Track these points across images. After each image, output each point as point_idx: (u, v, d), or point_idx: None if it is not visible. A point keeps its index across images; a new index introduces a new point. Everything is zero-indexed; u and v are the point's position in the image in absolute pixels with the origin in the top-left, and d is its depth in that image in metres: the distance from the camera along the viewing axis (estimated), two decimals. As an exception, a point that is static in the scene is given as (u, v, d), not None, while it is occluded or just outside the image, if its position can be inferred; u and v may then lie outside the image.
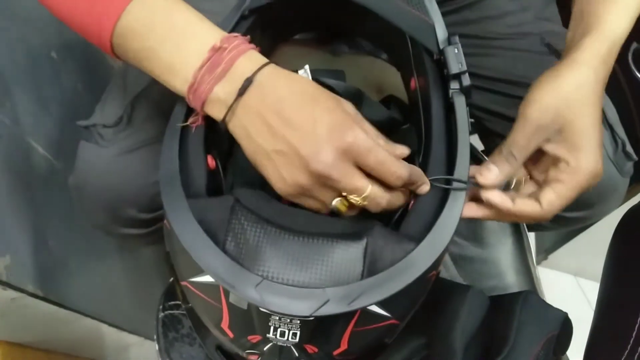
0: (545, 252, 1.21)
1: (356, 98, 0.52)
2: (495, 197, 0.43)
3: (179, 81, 0.40)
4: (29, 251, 0.60)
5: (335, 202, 0.39)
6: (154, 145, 0.55)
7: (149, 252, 1.04)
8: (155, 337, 0.57)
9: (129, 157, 0.55)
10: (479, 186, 0.43)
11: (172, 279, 0.58)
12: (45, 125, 0.71)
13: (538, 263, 1.24)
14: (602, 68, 0.44)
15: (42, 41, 0.76)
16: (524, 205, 0.43)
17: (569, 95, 0.43)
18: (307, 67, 0.47)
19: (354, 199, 0.38)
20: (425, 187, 0.40)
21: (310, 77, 0.47)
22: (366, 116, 0.52)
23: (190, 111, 0.42)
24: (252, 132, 0.39)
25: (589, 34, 0.45)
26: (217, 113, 0.40)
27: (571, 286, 1.25)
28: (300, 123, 0.37)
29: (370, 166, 0.37)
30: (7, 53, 0.66)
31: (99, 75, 0.91)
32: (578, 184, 0.42)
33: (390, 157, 0.38)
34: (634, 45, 0.85)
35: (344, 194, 0.38)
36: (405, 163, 0.39)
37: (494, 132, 0.67)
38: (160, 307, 0.58)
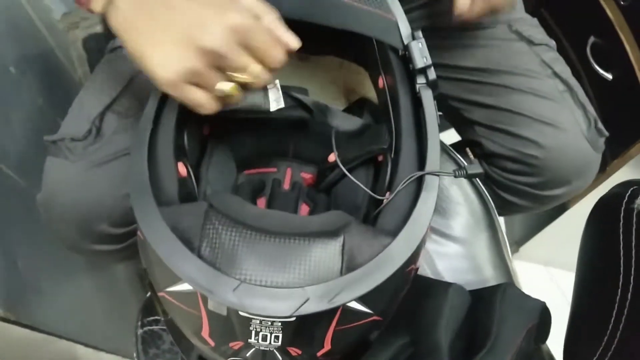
0: (515, 244, 1.23)
1: (324, 112, 0.53)
2: None
3: None
4: (-3, 274, 0.58)
5: (222, 85, 0.39)
6: (124, 157, 0.54)
7: (122, 269, 1.02)
8: (134, 354, 0.56)
9: (99, 171, 0.53)
10: (458, 177, 0.43)
11: (148, 294, 0.57)
12: (7, 142, 0.69)
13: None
14: None
15: (-1, 55, 0.74)
16: None
17: None
18: (277, 82, 0.47)
19: (239, 77, 0.39)
20: None
21: (280, 93, 0.47)
22: (338, 128, 0.53)
23: (157, 119, 0.41)
24: (133, 21, 0.39)
25: None
26: (99, 7, 0.40)
27: (543, 276, 1.28)
28: (183, 4, 0.38)
29: (254, 47, 0.39)
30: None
31: (60, 89, 0.89)
32: None
33: (272, 41, 0.39)
34: (592, 39, 0.88)
35: (230, 73, 0.39)
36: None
37: (472, 121, 0.69)
38: (139, 323, 0.57)
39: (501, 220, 0.75)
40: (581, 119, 0.64)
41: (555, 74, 0.65)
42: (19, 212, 0.67)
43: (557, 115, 0.64)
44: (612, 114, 0.86)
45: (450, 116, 0.73)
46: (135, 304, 0.59)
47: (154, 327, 0.56)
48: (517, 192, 0.69)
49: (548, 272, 1.28)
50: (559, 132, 0.63)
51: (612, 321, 0.44)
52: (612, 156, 0.89)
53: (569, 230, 0.60)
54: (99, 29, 1.10)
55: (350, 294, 0.34)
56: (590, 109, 0.65)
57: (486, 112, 0.67)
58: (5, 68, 0.75)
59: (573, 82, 0.66)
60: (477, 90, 0.67)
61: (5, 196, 0.65)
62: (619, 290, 0.44)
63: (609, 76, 0.87)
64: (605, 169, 0.90)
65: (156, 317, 0.56)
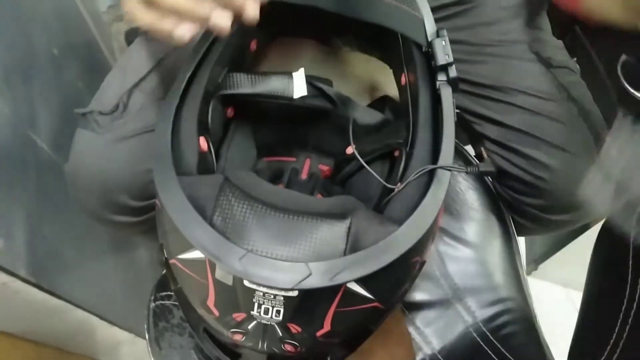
0: (534, 262, 1.22)
1: (346, 104, 0.54)
2: None
3: None
4: (23, 237, 0.61)
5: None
6: (147, 134, 0.56)
7: (143, 251, 1.05)
8: (145, 326, 0.58)
9: (123, 144, 0.56)
10: (470, 173, 0.44)
11: (164, 271, 0.59)
12: (44, 118, 0.72)
13: (528, 274, 1.24)
14: None
15: (45, 38, 0.78)
16: None
17: None
18: (302, 70, 0.48)
19: None
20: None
21: (304, 80, 0.48)
22: (358, 121, 0.54)
23: (183, 96, 0.43)
24: None
25: None
26: None
27: (561, 297, 1.25)
28: None
29: None
30: (10, 48, 0.67)
31: (98, 74, 0.92)
32: None
33: None
34: (623, 57, 0.87)
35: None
36: None
37: (483, 136, 0.69)
38: (152, 297, 0.59)
39: (521, 237, 0.74)
40: (593, 146, 0.64)
41: (571, 98, 0.65)
42: (50, 184, 0.70)
43: (568, 139, 0.63)
44: (641, 133, 0.84)
45: (462, 129, 0.73)
46: (152, 285, 0.61)
47: (166, 302, 0.58)
48: (525, 213, 0.69)
49: (567, 293, 1.26)
50: (569, 156, 0.63)
51: (615, 333, 0.44)
52: (637, 176, 0.88)
53: (589, 251, 0.60)
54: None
55: (351, 273, 0.34)
56: (605, 135, 0.65)
57: (497, 129, 0.67)
58: (49, 50, 0.79)
59: (589, 107, 0.65)
60: (490, 107, 0.67)
61: (39, 168, 0.69)
62: (626, 298, 0.44)
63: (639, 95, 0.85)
64: (629, 189, 0.89)
65: (169, 292, 0.58)
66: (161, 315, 0.59)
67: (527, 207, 0.68)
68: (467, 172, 0.43)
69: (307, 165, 0.59)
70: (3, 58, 0.65)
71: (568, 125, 0.64)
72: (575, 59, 0.71)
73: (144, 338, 0.60)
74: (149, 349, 0.59)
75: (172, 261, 0.39)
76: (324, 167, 0.59)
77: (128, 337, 0.89)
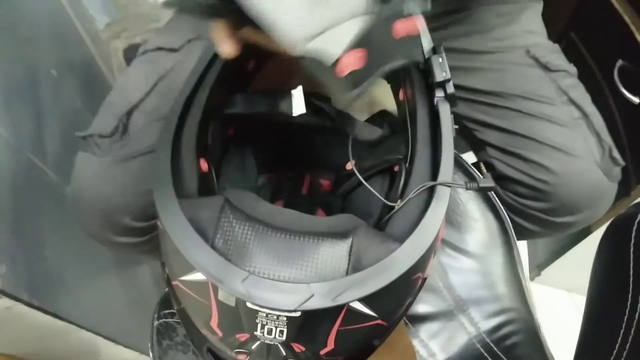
0: (537, 268, 1.21)
1: (345, 120, 0.55)
2: None
3: None
4: (25, 261, 0.61)
5: None
6: (148, 155, 0.56)
7: (147, 269, 1.05)
8: (149, 344, 0.58)
9: (123, 166, 0.56)
10: (470, 189, 0.44)
11: (167, 288, 0.59)
12: (44, 139, 0.73)
13: (531, 279, 1.24)
14: None
15: (42, 59, 0.79)
16: None
17: None
18: (300, 88, 0.49)
19: None
20: None
21: (303, 98, 0.49)
22: (357, 137, 0.54)
23: (183, 118, 0.44)
24: None
25: None
26: None
27: (565, 302, 1.25)
28: None
29: None
30: (8, 69, 0.68)
31: (98, 93, 0.93)
32: None
33: None
34: (620, 62, 0.88)
35: None
36: None
37: (484, 142, 0.69)
38: (155, 315, 0.59)
39: (523, 242, 0.74)
40: (595, 147, 0.64)
41: (571, 101, 0.65)
42: (51, 205, 0.70)
43: (570, 142, 0.63)
44: (639, 137, 0.85)
45: (464, 136, 0.74)
46: (155, 303, 0.61)
47: (169, 320, 0.58)
48: (528, 216, 0.69)
49: (571, 297, 1.25)
50: (571, 158, 0.63)
51: (618, 341, 0.44)
52: (637, 180, 0.88)
53: (592, 256, 0.60)
54: (139, 39, 1.15)
55: (354, 293, 0.34)
56: (606, 137, 0.65)
57: (499, 135, 0.67)
58: (47, 71, 0.80)
59: (589, 109, 0.66)
60: (491, 113, 0.67)
61: (39, 190, 0.69)
62: (627, 308, 0.44)
63: (636, 100, 0.86)
64: (629, 194, 0.89)
65: (172, 310, 0.58)
66: (165, 333, 0.59)
67: (531, 211, 0.68)
68: (466, 189, 0.43)
69: (308, 181, 0.59)
70: (2, 81, 0.65)
71: (569, 127, 0.64)
72: (571, 64, 0.71)
73: (149, 355, 0.59)
74: (153, 367, 0.59)
75: (174, 282, 0.40)
76: (324, 182, 0.60)
77: (133, 356, 0.88)
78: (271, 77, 0.58)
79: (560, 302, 1.25)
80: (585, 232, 1.02)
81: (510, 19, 0.68)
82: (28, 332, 0.64)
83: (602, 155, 0.64)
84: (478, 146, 0.72)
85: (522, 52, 0.67)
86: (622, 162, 0.65)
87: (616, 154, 0.64)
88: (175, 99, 0.45)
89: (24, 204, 0.65)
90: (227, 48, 0.41)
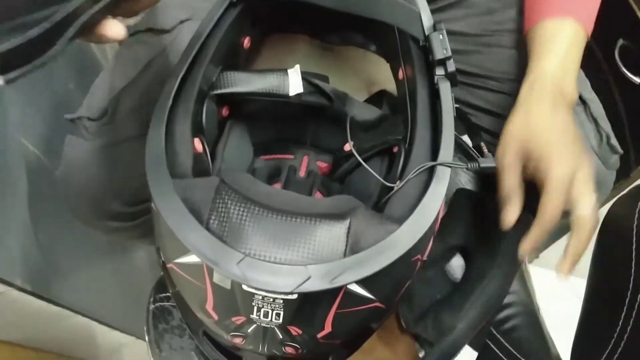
0: (536, 250, 1.22)
1: (343, 101, 0.53)
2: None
3: None
4: (17, 246, 0.60)
5: None
6: (137, 139, 0.55)
7: (141, 253, 1.04)
8: (145, 328, 0.57)
9: (112, 150, 0.55)
10: (471, 170, 0.43)
11: (162, 272, 0.59)
12: (36, 123, 0.71)
13: (530, 262, 1.24)
14: (536, 103, 0.52)
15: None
16: None
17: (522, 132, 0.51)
18: (297, 67, 0.47)
19: None
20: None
21: (300, 77, 0.47)
22: (355, 117, 0.53)
23: (176, 97, 0.43)
24: None
25: (525, 77, 0.55)
26: None
27: (563, 284, 1.25)
28: None
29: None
30: None
31: (90, 75, 0.91)
32: (552, 189, 0.48)
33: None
34: (620, 41, 0.86)
35: None
36: None
37: (480, 127, 0.68)
38: (151, 299, 0.58)
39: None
40: (592, 134, 0.63)
41: None
42: (43, 189, 0.69)
43: None
44: (639, 118, 0.84)
45: (459, 119, 0.72)
46: (151, 287, 0.61)
47: (165, 303, 0.57)
48: (524, 204, 0.68)
49: (569, 280, 1.25)
50: None
51: (620, 324, 0.44)
52: (637, 162, 0.87)
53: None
54: (131, 22, 1.13)
55: (351, 275, 0.34)
56: (605, 124, 0.64)
57: (493, 120, 0.66)
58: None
59: (588, 95, 0.64)
60: (486, 97, 0.66)
61: (32, 174, 0.68)
62: (629, 290, 0.43)
63: (637, 80, 0.85)
64: (629, 175, 0.88)
65: (168, 294, 0.57)
66: (161, 317, 0.58)
67: (525, 197, 0.67)
68: (467, 169, 0.42)
69: (305, 163, 0.58)
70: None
71: None
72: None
73: (145, 340, 0.59)
74: (149, 351, 0.58)
75: (169, 265, 0.39)
76: (322, 164, 0.59)
77: (129, 340, 0.88)
78: (268, 56, 0.57)
79: (558, 285, 1.25)
80: (584, 215, 1.02)
81: (508, 2, 0.67)
82: (22, 317, 0.63)
83: (599, 143, 0.63)
84: (473, 131, 0.71)
85: (520, 36, 0.66)
86: (620, 150, 0.64)
87: (614, 141, 0.63)
88: (168, 78, 0.44)
89: (15, 188, 0.64)
90: None
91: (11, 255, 0.58)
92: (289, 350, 0.40)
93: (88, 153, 0.55)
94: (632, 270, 0.44)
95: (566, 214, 0.70)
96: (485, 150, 0.55)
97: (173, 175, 0.37)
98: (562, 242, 1.18)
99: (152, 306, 0.57)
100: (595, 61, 0.92)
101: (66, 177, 0.56)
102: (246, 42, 0.52)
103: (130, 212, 0.58)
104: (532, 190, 0.52)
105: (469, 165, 0.44)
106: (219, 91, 0.47)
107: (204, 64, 0.45)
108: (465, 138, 0.76)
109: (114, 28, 0.33)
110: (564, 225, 1.17)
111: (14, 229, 0.60)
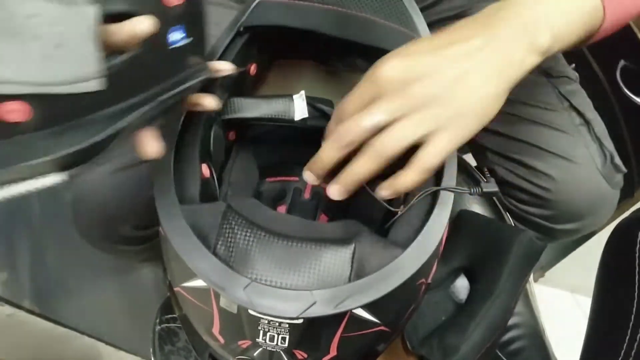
0: (541, 269, 1.21)
1: None
2: None
3: None
4: (26, 268, 0.61)
5: None
6: (147, 162, 0.56)
7: (147, 272, 1.04)
8: (151, 350, 0.57)
9: (122, 174, 0.56)
10: (474, 194, 0.44)
11: (169, 293, 0.59)
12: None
13: (535, 280, 1.23)
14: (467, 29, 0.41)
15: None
16: None
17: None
18: (302, 92, 0.48)
19: None
20: None
21: (305, 102, 0.48)
22: None
23: (185, 122, 0.43)
24: None
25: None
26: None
27: (569, 303, 1.24)
28: None
29: None
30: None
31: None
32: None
33: None
34: (622, 62, 0.87)
35: None
36: None
37: (485, 147, 0.69)
38: (157, 320, 0.59)
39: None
40: (596, 154, 0.63)
41: (572, 107, 0.65)
42: (51, 213, 0.70)
43: (571, 149, 0.63)
44: (642, 139, 0.84)
45: None
46: (157, 308, 0.61)
47: (171, 325, 0.57)
48: (529, 223, 0.68)
49: (574, 298, 1.25)
50: (572, 165, 0.63)
51: (624, 347, 0.44)
52: (641, 182, 0.88)
53: (596, 257, 0.59)
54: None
55: (356, 300, 0.34)
56: (608, 144, 0.64)
57: (499, 140, 0.66)
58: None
59: (591, 115, 0.65)
60: None
61: (40, 197, 0.69)
62: (633, 314, 0.43)
63: (639, 100, 0.85)
64: (633, 194, 0.89)
65: (174, 315, 0.58)
66: (167, 339, 0.58)
67: (531, 217, 0.67)
68: (470, 194, 0.43)
69: (310, 185, 0.59)
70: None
71: (570, 134, 0.64)
72: (573, 65, 0.71)
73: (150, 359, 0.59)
74: (156, 372, 0.59)
75: (176, 289, 0.39)
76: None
77: (135, 361, 0.88)
78: (274, 82, 0.58)
79: (564, 304, 1.24)
80: (589, 233, 1.02)
81: None
82: (30, 339, 0.63)
83: (603, 162, 0.63)
84: (477, 151, 0.71)
85: None
86: (624, 169, 0.65)
87: (618, 160, 0.64)
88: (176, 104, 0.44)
89: (25, 212, 0.65)
90: None
91: (20, 278, 0.59)
92: (294, 373, 0.40)
93: (98, 177, 0.56)
94: (636, 291, 0.44)
95: (575, 233, 0.71)
96: (487, 173, 0.55)
97: (181, 200, 0.38)
98: (568, 261, 1.18)
99: (158, 327, 0.58)
100: (596, 82, 0.93)
101: (77, 200, 0.57)
102: (253, 68, 0.53)
103: (140, 236, 0.58)
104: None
105: (472, 190, 0.44)
106: (226, 117, 0.48)
107: (212, 91, 0.46)
108: (469, 157, 0.76)
109: (151, 142, 0.35)
110: (567, 245, 1.16)
111: (24, 251, 0.61)
